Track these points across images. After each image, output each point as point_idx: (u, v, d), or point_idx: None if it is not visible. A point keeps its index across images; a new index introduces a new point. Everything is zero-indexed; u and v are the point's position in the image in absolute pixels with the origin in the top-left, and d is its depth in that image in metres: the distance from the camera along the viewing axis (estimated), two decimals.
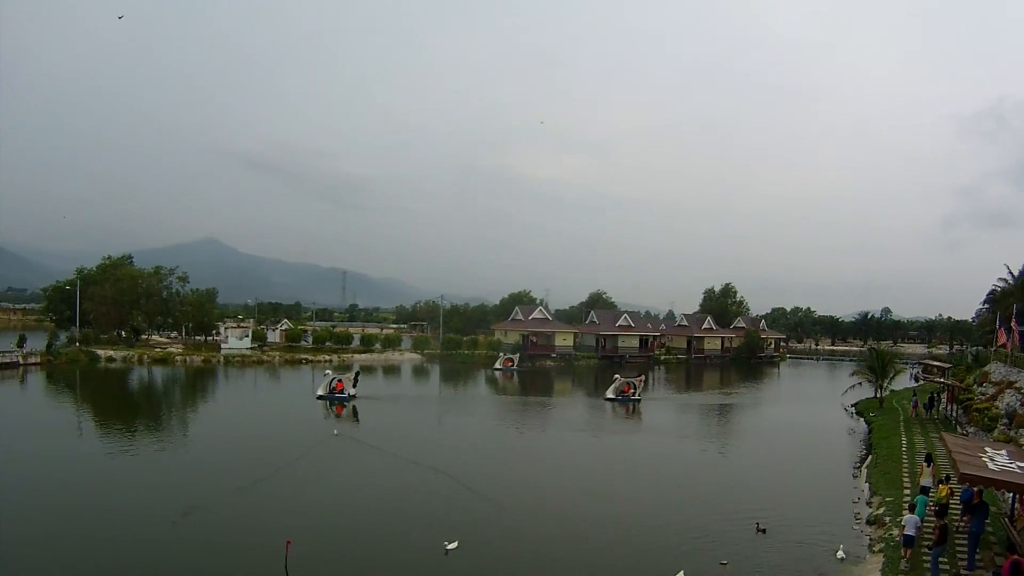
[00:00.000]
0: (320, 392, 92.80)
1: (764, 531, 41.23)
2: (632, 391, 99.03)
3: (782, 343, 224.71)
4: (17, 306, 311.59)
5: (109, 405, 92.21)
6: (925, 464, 47.75)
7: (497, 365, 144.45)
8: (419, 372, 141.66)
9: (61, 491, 47.34)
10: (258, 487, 49.57)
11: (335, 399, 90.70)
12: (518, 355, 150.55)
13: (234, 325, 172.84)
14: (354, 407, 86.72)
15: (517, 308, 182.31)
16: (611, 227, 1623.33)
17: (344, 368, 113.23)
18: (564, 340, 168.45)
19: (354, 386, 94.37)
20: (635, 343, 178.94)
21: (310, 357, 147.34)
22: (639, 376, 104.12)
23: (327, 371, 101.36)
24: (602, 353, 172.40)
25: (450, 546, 35.91)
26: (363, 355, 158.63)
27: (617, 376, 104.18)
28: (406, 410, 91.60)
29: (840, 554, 38.33)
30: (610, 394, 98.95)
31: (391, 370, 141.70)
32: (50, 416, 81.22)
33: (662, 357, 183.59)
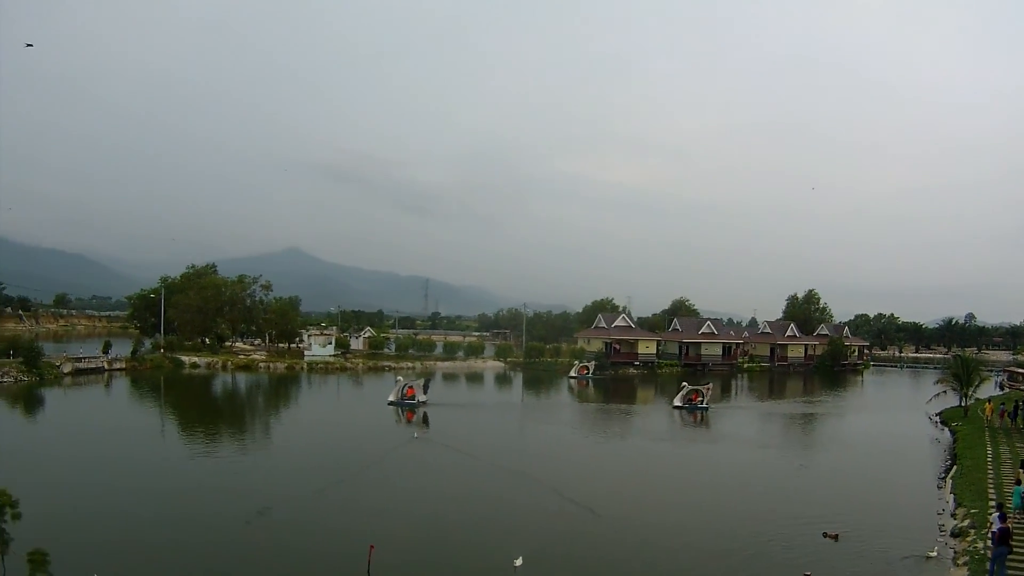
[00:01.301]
0: (391, 398, 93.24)
1: (835, 537, 40.61)
2: (700, 399, 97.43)
3: (865, 350, 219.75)
4: (102, 314, 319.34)
5: (192, 410, 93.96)
6: (1022, 470, 46.74)
7: (572, 373, 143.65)
8: (502, 380, 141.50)
9: (141, 489, 48.27)
10: (336, 490, 49.98)
11: (405, 405, 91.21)
12: (593, 363, 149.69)
13: (317, 333, 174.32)
14: (424, 413, 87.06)
15: (600, 316, 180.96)
16: (691, 232, 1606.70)
17: (427, 375, 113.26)
18: (647, 348, 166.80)
19: (424, 393, 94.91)
20: (718, 351, 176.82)
21: (393, 364, 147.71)
22: (707, 384, 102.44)
23: (399, 377, 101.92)
24: (685, 361, 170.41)
25: (517, 563, 35.13)
26: (446, 363, 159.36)
27: (684, 384, 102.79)
28: (488, 416, 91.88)
29: (932, 553, 37.55)
30: (678, 402, 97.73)
31: (474, 378, 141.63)
32: (134, 419, 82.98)
33: (745, 365, 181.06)
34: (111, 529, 39.48)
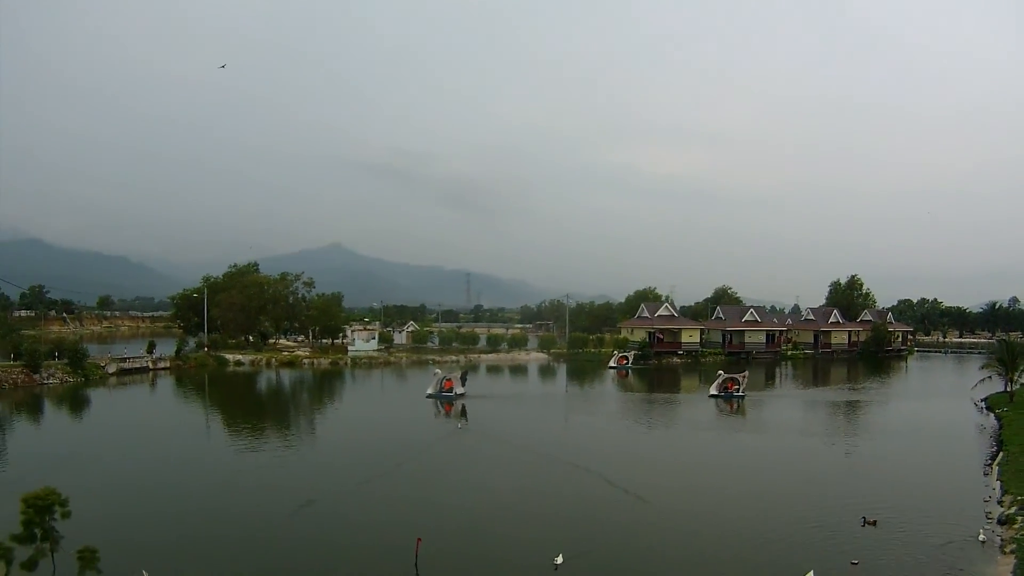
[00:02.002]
0: (430, 391, 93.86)
1: (874, 523, 40.45)
2: (736, 387, 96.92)
3: (909, 336, 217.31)
4: (145, 314, 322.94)
5: (237, 406, 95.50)
6: None
7: (611, 363, 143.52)
8: (546, 371, 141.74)
9: (187, 485, 49.36)
10: (380, 482, 50.55)
11: (443, 398, 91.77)
12: (633, 352, 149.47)
13: (361, 328, 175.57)
14: (463, 406, 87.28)
15: (643, 305, 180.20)
16: (733, 220, 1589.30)
17: (465, 368, 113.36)
18: (690, 336, 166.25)
19: (462, 385, 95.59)
20: (762, 338, 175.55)
21: (437, 358, 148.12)
22: (743, 372, 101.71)
23: (436, 370, 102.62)
24: (729, 349, 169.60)
25: (558, 560, 34.79)
26: (489, 355, 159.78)
27: (720, 372, 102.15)
28: (532, 408, 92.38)
29: (982, 536, 37.31)
30: (713, 390, 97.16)
31: (518, 370, 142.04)
32: (179, 418, 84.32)
33: (789, 352, 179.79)
34: (158, 526, 40.04)
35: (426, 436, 69.25)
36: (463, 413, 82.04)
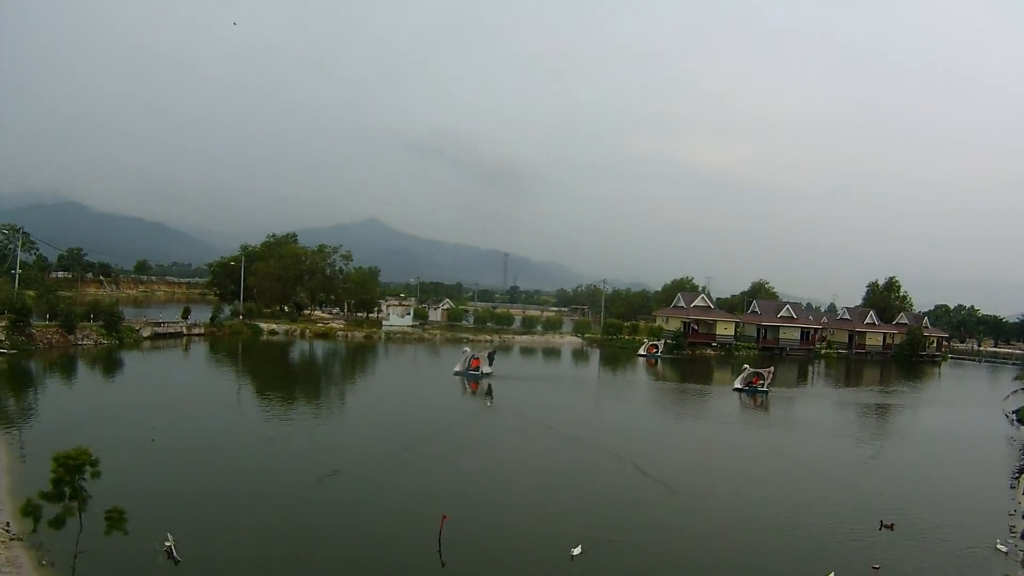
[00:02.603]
0: (457, 368, 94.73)
1: (891, 527, 40.38)
2: (761, 382, 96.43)
3: (944, 342, 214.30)
4: (181, 280, 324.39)
5: (268, 374, 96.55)
6: None
7: (641, 351, 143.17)
8: (579, 355, 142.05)
9: (216, 449, 50.41)
10: (407, 455, 51.13)
11: (470, 376, 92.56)
12: (663, 341, 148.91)
13: (396, 303, 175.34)
14: (489, 385, 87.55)
15: (679, 295, 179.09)
16: (772, 215, 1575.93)
17: (494, 348, 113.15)
18: (725, 329, 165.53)
19: (490, 365, 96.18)
20: (796, 335, 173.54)
21: (471, 337, 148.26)
22: (768, 368, 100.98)
23: (465, 348, 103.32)
24: (763, 344, 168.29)
25: (575, 551, 34.37)
26: (523, 336, 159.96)
27: (746, 366, 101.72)
28: (564, 391, 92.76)
29: (1000, 547, 37.29)
30: (738, 384, 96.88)
31: (551, 352, 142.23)
32: (211, 383, 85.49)
33: (823, 351, 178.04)
34: (184, 489, 40.61)
35: (455, 413, 70.19)
36: (489, 392, 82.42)
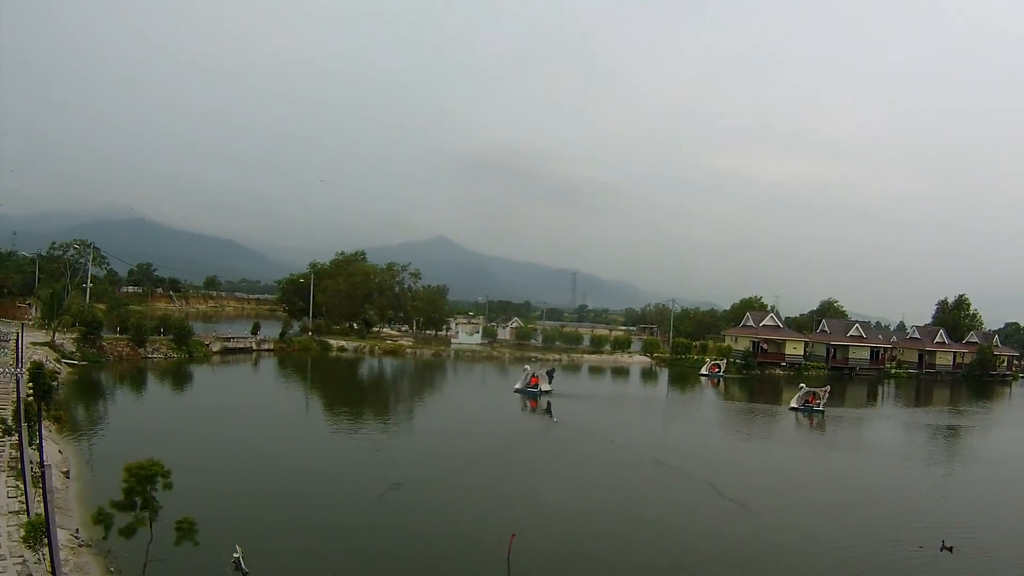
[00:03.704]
0: (517, 386, 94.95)
1: (951, 549, 39.53)
2: (817, 402, 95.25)
3: (1015, 361, 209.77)
4: (251, 296, 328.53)
5: (337, 390, 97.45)
6: None
7: (703, 371, 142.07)
8: (647, 375, 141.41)
9: (283, 457, 50.97)
10: (471, 471, 51.29)
11: (529, 393, 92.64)
12: (725, 360, 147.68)
13: (465, 321, 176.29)
14: (548, 403, 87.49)
15: (748, 314, 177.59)
16: (841, 230, 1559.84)
17: (552, 366, 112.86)
18: (794, 348, 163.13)
19: (549, 383, 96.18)
20: (865, 355, 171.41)
21: (539, 356, 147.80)
22: (825, 387, 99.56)
23: (526, 366, 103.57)
24: (832, 364, 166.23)
25: None
26: (592, 356, 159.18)
27: (802, 385, 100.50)
28: (632, 409, 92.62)
29: None
30: (794, 403, 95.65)
31: (619, 372, 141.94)
32: (280, 398, 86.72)
33: (892, 371, 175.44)
34: (252, 501, 41.13)
35: (519, 430, 70.66)
36: (548, 409, 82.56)
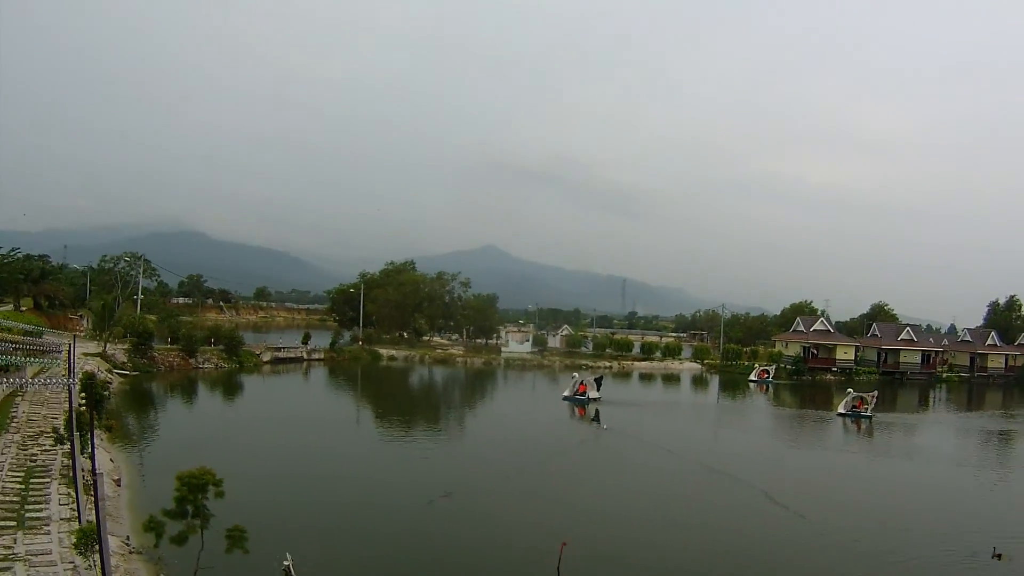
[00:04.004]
0: (566, 394, 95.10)
1: (1000, 556, 38.82)
2: (864, 407, 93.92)
3: None
4: (301, 306, 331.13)
5: (387, 399, 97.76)
6: None
7: (752, 377, 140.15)
8: (698, 381, 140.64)
9: (333, 469, 51.20)
10: (520, 479, 51.10)
11: (576, 401, 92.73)
12: (774, 366, 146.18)
13: (515, 330, 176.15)
14: (596, 410, 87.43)
15: (798, 319, 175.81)
16: (890, 233, 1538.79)
17: (625, 375, 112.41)
18: (845, 353, 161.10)
19: (597, 390, 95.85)
20: (917, 359, 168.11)
21: (590, 363, 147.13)
22: (872, 392, 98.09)
23: (575, 374, 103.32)
24: (883, 368, 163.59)
25: None
26: (642, 363, 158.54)
27: (850, 390, 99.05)
28: (682, 416, 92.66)
29: None
30: (842, 409, 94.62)
31: (670, 378, 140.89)
32: (331, 406, 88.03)
33: (944, 374, 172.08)
34: (302, 509, 41.27)
35: (569, 438, 70.83)
36: (596, 417, 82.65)
